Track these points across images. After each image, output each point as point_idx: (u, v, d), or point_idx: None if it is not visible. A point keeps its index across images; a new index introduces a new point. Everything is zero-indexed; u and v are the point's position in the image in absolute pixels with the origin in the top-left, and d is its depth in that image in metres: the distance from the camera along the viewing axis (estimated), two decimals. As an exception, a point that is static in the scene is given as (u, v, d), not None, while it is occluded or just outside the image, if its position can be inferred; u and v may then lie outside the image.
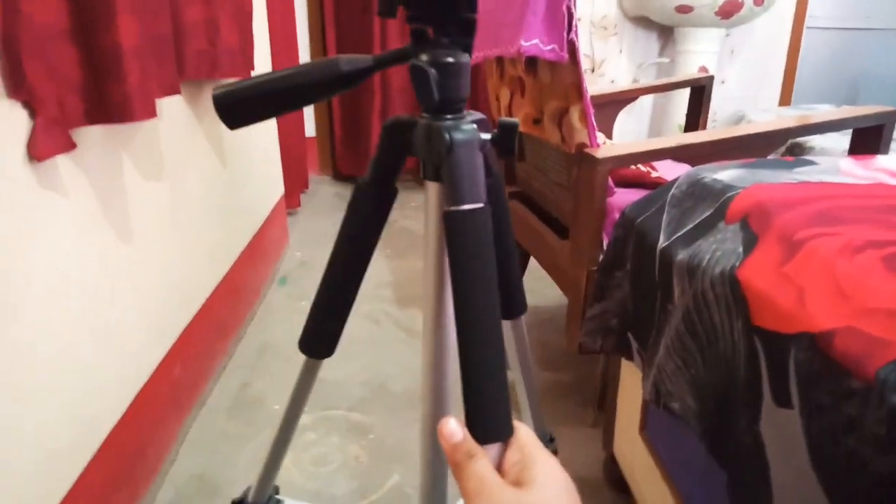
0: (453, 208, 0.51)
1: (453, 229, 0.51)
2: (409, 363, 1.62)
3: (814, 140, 2.33)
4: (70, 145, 0.80)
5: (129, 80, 0.79)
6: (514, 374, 0.81)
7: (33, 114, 0.74)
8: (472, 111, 0.57)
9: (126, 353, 1.04)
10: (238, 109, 0.56)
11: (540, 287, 2.06)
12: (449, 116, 0.54)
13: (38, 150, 0.75)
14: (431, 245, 0.60)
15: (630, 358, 0.98)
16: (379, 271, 2.23)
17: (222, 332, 1.59)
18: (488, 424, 0.46)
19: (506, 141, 0.55)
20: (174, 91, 1.06)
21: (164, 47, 1.00)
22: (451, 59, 0.52)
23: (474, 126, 0.54)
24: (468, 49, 0.53)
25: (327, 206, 3.04)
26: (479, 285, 0.50)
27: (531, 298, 2.00)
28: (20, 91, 0.70)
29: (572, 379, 1.55)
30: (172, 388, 1.25)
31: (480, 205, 0.51)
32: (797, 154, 2.35)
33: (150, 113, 0.87)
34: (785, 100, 3.58)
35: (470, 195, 0.51)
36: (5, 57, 0.68)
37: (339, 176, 3.46)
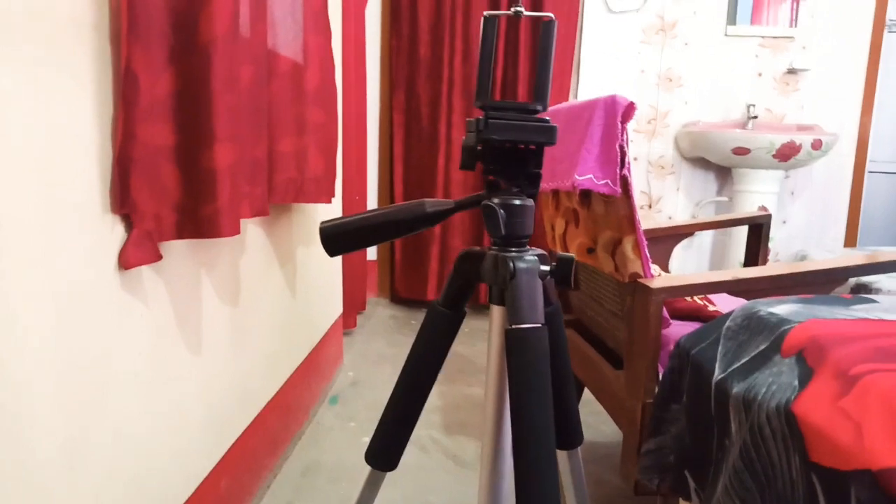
0: (514, 326, 0.55)
1: (513, 345, 0.55)
2: (456, 493, 1.56)
3: (881, 282, 2.26)
4: (156, 256, 0.88)
5: (220, 198, 0.87)
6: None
7: (130, 226, 0.82)
8: (534, 248, 0.63)
9: (178, 461, 1.06)
10: (339, 241, 0.65)
11: (596, 422, 1.99)
12: (513, 249, 0.61)
13: (127, 260, 0.83)
14: (493, 363, 0.64)
15: (688, 498, 0.93)
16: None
17: (271, 448, 1.59)
18: None
19: (563, 272, 0.61)
20: (264, 213, 1.15)
21: (258, 172, 1.10)
22: (517, 202, 0.60)
23: (536, 258, 0.61)
24: (533, 197, 0.62)
25: (383, 327, 3.09)
26: (535, 399, 0.52)
27: (587, 433, 1.93)
28: (124, 205, 0.78)
29: (628, 522, 1.46)
30: (218, 501, 1.24)
31: (539, 324, 0.55)
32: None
33: (235, 230, 0.95)
34: (850, 241, 3.52)
35: (530, 315, 0.56)
36: (117, 175, 0.77)
37: (396, 299, 3.54)
